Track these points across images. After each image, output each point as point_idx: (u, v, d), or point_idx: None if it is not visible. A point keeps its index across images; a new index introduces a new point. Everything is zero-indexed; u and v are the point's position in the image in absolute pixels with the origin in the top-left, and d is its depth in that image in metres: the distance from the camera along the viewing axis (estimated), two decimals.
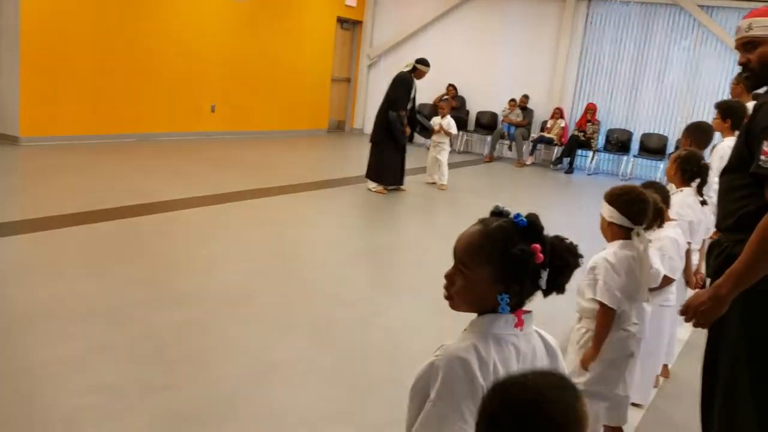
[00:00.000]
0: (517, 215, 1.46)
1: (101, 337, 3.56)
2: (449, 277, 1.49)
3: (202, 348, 3.59)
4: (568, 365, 2.84)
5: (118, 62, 9.61)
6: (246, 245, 5.59)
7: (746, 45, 2.28)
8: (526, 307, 1.48)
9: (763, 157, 2.06)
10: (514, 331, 1.44)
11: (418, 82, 8.39)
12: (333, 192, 8.19)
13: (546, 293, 1.47)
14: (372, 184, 8.24)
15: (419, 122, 8.88)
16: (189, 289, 4.42)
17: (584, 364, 2.70)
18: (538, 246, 1.40)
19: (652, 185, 3.13)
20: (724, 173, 2.33)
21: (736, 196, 2.20)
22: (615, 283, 2.60)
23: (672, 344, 3.80)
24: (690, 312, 2.18)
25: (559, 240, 1.48)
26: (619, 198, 2.64)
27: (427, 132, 8.99)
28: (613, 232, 2.70)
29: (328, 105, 14.11)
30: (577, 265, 1.48)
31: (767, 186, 2.09)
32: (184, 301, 4.21)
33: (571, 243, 1.50)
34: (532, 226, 1.44)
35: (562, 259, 1.45)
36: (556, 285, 1.46)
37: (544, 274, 1.43)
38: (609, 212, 2.67)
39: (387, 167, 8.20)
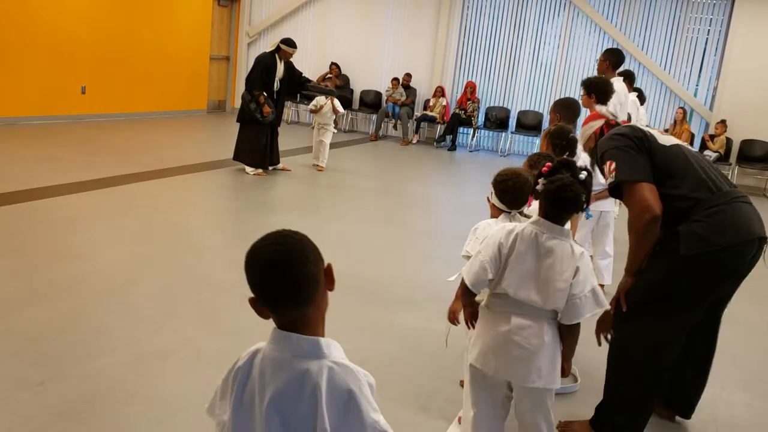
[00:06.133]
0: None
1: None
2: None
3: (78, 340, 3.42)
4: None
5: None
6: (122, 233, 5.35)
7: None
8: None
9: (610, 177, 2.75)
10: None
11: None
12: (211, 175, 7.98)
13: None
14: (249, 168, 8.09)
15: (305, 94, 8.69)
16: (62, 280, 4.19)
17: (450, 317, 2.74)
18: None
19: (541, 158, 3.21)
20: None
21: None
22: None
23: None
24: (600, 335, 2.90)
25: None
26: (498, 184, 2.82)
27: (315, 92, 8.75)
28: (493, 210, 2.88)
29: (207, 84, 13.71)
30: None
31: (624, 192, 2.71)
32: (57, 292, 3.99)
33: None
34: None
35: None
36: None
37: None
38: (491, 192, 2.86)
39: (254, 148, 8.05)
